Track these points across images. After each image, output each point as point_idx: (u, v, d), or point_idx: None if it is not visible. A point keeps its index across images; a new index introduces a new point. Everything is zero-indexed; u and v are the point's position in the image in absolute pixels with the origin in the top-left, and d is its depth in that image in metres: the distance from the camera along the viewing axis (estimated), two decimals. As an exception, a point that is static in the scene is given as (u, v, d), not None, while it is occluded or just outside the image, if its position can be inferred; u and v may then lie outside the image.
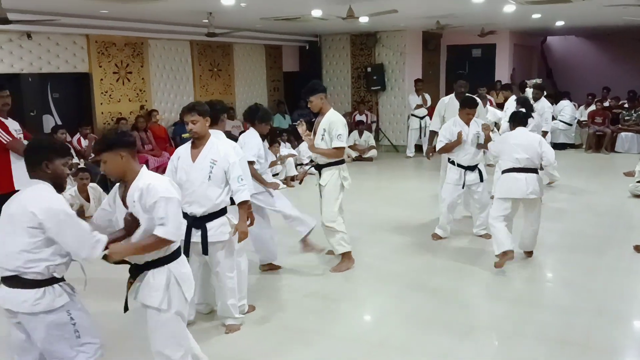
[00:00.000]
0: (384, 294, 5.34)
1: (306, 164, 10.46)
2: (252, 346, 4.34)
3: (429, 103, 13.26)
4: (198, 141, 4.32)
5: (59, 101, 9.97)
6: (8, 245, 3.01)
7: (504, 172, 5.80)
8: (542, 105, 9.42)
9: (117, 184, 3.42)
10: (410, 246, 6.61)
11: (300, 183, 6.77)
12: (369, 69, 14.01)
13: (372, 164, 12.67)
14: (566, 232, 7.06)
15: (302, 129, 5.75)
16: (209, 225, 4.26)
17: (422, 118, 13.12)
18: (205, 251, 4.30)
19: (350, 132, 13.54)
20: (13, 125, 5.67)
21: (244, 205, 4.34)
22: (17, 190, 5.27)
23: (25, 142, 5.66)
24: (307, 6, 8.89)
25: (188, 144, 4.41)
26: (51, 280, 3.08)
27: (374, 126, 14.08)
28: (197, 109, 4.25)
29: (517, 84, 14.71)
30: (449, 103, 7.55)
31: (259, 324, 4.70)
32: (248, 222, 4.47)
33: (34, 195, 3.05)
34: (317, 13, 9.28)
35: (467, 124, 6.48)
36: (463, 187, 6.48)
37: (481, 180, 6.53)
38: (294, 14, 9.80)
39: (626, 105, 13.67)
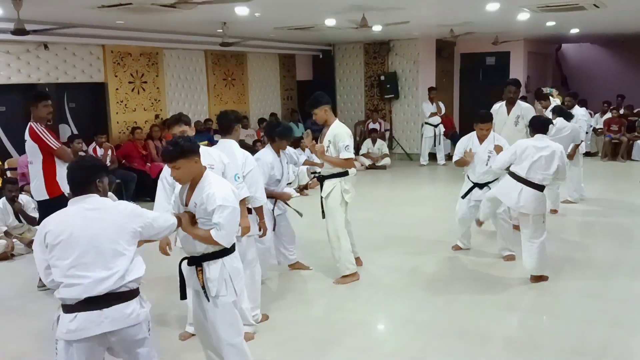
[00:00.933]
0: (397, 304, 5.31)
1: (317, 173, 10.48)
2: (266, 354, 4.34)
3: (443, 111, 13.25)
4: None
5: (75, 111, 10.09)
6: (111, 264, 2.98)
7: (509, 173, 5.56)
8: (576, 114, 8.83)
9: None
10: (423, 255, 6.58)
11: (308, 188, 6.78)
12: (382, 78, 14.02)
13: (386, 172, 12.66)
14: (582, 241, 7.00)
15: (308, 140, 5.72)
16: None
17: (436, 126, 13.11)
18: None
19: (363, 140, 13.58)
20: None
21: (244, 202, 4.34)
22: (63, 195, 5.53)
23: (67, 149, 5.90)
24: (321, 16, 8.94)
25: None
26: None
27: (387, 134, 14.08)
28: (184, 120, 4.38)
29: (533, 92, 14.65)
30: (499, 110, 7.18)
31: (272, 333, 4.70)
32: (261, 232, 4.47)
33: (114, 211, 3.10)
34: (330, 22, 9.32)
35: (480, 140, 6.15)
36: (464, 197, 6.28)
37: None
38: (308, 23, 9.86)
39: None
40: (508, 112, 7.12)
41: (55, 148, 5.63)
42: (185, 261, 3.62)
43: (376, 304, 5.33)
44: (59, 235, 2.94)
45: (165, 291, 5.59)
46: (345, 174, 5.64)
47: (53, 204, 5.72)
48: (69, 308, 2.94)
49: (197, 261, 3.53)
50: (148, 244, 3.56)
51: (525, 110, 7.09)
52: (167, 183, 4.44)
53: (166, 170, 4.42)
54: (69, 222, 2.99)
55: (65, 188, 5.71)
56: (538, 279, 5.58)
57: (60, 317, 2.98)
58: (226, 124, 4.74)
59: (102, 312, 2.92)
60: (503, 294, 5.46)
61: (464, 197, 6.28)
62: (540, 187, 5.40)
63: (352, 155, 5.54)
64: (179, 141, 3.45)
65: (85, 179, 3.09)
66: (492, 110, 7.10)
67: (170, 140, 3.53)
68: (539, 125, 5.62)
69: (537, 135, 5.53)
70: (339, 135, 5.51)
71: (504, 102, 7.22)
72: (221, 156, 4.37)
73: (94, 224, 2.99)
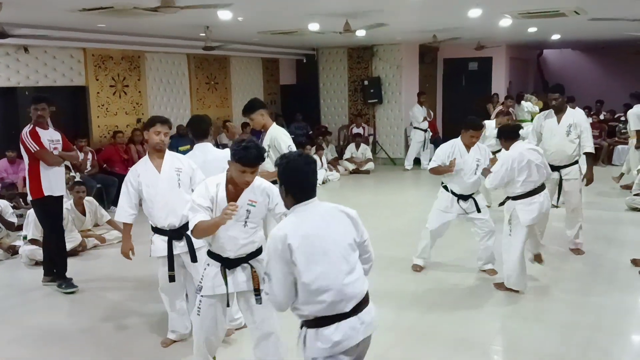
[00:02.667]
0: (379, 310, 5.27)
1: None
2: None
3: (432, 116, 13.31)
4: (159, 153, 4.36)
5: (55, 115, 9.89)
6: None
7: (524, 196, 5.33)
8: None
9: (217, 184, 3.53)
10: (406, 260, 6.57)
11: None
12: (365, 82, 14.05)
13: (369, 176, 12.67)
14: (563, 245, 7.03)
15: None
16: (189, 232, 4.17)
17: (425, 131, 13.14)
18: (194, 258, 4.29)
19: (347, 145, 13.59)
20: (51, 135, 5.88)
21: None
22: (48, 197, 5.61)
23: (56, 153, 5.86)
24: (304, 20, 8.92)
25: (143, 160, 4.41)
26: None
27: (371, 139, 14.10)
28: (169, 122, 4.40)
29: (514, 97, 14.78)
30: (546, 120, 6.51)
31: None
32: None
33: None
34: (314, 27, 9.31)
35: (468, 148, 5.83)
36: (455, 216, 5.94)
37: (478, 211, 5.87)
38: (291, 28, 9.85)
39: (622, 118, 13.69)
40: (558, 122, 6.36)
41: (33, 151, 5.69)
42: (218, 266, 3.59)
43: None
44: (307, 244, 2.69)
45: (143, 297, 5.55)
46: None
47: (35, 205, 5.95)
48: (325, 320, 2.70)
49: (241, 261, 3.59)
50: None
51: (578, 118, 6.33)
52: (132, 187, 4.38)
53: (131, 174, 4.38)
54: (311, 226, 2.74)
55: (49, 191, 5.78)
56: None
57: (312, 333, 2.73)
58: (204, 127, 4.86)
59: (359, 318, 2.76)
60: (484, 298, 5.48)
61: (457, 214, 5.93)
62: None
63: None
64: (258, 145, 3.45)
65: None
66: (538, 119, 6.69)
67: (249, 144, 3.35)
68: (512, 134, 5.53)
69: (516, 144, 5.43)
70: (276, 138, 5.24)
71: (550, 111, 6.50)
72: (189, 161, 4.42)
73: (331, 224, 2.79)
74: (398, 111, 14.01)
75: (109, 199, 9.22)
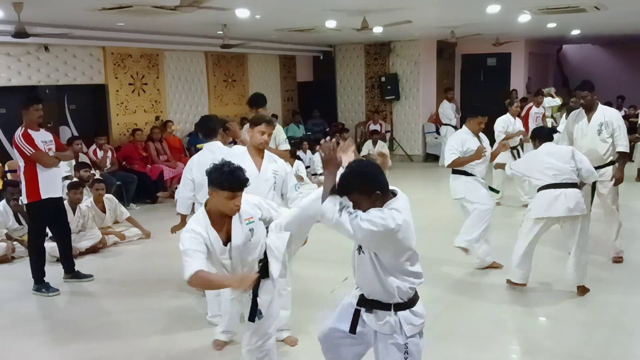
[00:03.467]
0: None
1: (320, 174, 10.48)
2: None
3: (459, 112, 13.20)
4: (260, 152, 4.38)
5: (75, 112, 10.09)
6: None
7: (540, 189, 5.31)
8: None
9: (204, 225, 3.25)
10: (425, 258, 6.55)
11: None
12: (383, 79, 14.01)
13: (386, 174, 12.62)
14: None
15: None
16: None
17: (455, 127, 13.03)
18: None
19: (364, 142, 13.56)
20: (43, 136, 5.77)
21: None
22: (46, 199, 5.49)
23: (52, 154, 5.78)
24: (322, 18, 8.93)
25: (242, 154, 4.35)
26: None
27: (388, 136, 14.06)
28: (272, 122, 4.40)
29: (533, 93, 14.62)
30: (577, 119, 6.27)
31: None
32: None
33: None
34: (331, 24, 9.31)
35: (477, 135, 5.94)
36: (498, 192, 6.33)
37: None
38: (308, 25, 9.85)
39: (646, 115, 13.53)
40: (589, 121, 6.07)
41: (29, 154, 5.57)
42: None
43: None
44: None
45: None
46: None
47: (30, 208, 5.79)
48: (415, 298, 3.14)
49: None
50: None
51: (610, 116, 6.01)
52: None
53: None
54: None
55: (47, 193, 5.69)
56: (584, 288, 5.39)
57: (406, 314, 3.00)
58: (212, 126, 4.99)
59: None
60: (503, 296, 5.45)
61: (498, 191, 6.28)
62: (577, 185, 5.26)
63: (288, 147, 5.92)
64: (239, 166, 3.26)
65: None
66: (569, 117, 6.45)
67: (232, 167, 3.21)
68: (544, 135, 5.57)
69: (545, 144, 5.46)
70: (280, 131, 5.71)
71: (581, 110, 6.22)
72: (284, 164, 4.46)
73: None
74: (415, 108, 13.96)
75: (128, 196, 9.32)
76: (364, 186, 2.83)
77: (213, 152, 4.80)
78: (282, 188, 4.44)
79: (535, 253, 6.27)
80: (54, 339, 4.86)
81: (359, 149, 13.46)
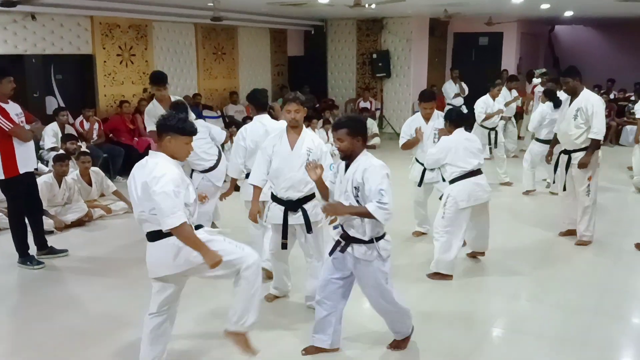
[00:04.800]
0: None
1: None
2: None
3: (466, 92, 13.00)
4: (295, 129, 4.52)
5: (62, 83, 9.94)
6: None
7: (457, 179, 5.31)
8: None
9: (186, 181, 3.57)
10: (409, 237, 6.61)
11: None
12: (374, 56, 13.92)
13: (375, 151, 12.60)
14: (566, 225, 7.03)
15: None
16: (306, 206, 4.50)
17: (459, 107, 12.95)
18: (309, 229, 4.49)
19: (354, 119, 13.50)
20: (14, 109, 5.58)
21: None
22: (24, 174, 5.43)
23: (27, 127, 5.65)
24: (314, -8, 8.82)
25: (280, 133, 4.56)
26: None
27: (378, 113, 14.02)
28: (300, 99, 4.50)
29: (524, 74, 14.62)
30: (565, 103, 6.34)
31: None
32: None
33: None
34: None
35: (426, 119, 6.18)
36: (420, 185, 6.30)
37: (443, 180, 5.84)
38: (301, -1, 9.71)
39: (632, 98, 13.56)
40: (569, 105, 6.15)
41: (7, 129, 5.40)
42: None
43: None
44: None
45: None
46: None
47: (8, 184, 5.63)
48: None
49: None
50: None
51: (587, 102, 5.96)
52: (267, 155, 4.56)
53: (269, 143, 4.56)
54: None
55: (25, 167, 5.57)
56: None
57: (383, 243, 3.79)
58: (263, 100, 5.46)
59: None
60: (487, 279, 5.51)
61: (420, 184, 6.31)
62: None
63: None
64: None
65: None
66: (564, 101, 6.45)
67: (180, 116, 3.66)
68: (456, 119, 5.46)
69: (458, 130, 5.40)
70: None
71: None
72: (321, 144, 4.55)
73: None
74: (406, 86, 13.91)
75: (114, 168, 9.24)
76: (354, 129, 3.74)
77: (264, 124, 5.20)
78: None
79: (521, 237, 6.34)
80: (39, 312, 4.83)
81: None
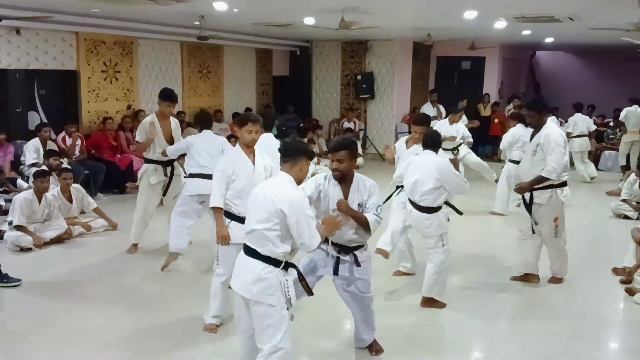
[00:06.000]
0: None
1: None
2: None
3: (444, 115, 13.10)
4: (250, 149, 4.66)
5: (45, 98, 9.88)
6: None
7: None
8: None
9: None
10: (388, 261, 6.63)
11: None
12: (358, 77, 14.04)
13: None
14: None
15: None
16: None
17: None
18: None
19: (337, 139, 13.56)
20: None
21: None
22: None
23: None
24: (300, 14, 8.90)
25: (236, 152, 4.65)
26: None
27: (361, 134, 14.11)
28: (260, 120, 4.68)
29: (505, 98, 14.84)
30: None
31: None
32: None
33: None
34: (309, 21, 9.29)
35: (410, 143, 5.91)
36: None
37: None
38: (287, 21, 9.82)
39: (611, 124, 13.82)
40: (530, 139, 5.78)
41: None
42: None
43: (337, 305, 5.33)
44: None
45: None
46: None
47: None
48: None
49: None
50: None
51: (546, 137, 5.46)
52: (226, 176, 4.58)
53: (227, 164, 4.58)
54: None
55: None
56: (429, 302, 5.29)
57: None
58: (270, 120, 5.87)
59: None
60: (465, 302, 5.52)
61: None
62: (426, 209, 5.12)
63: None
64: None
65: None
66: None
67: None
68: (430, 142, 5.25)
69: (426, 152, 5.24)
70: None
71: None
72: (269, 158, 4.69)
73: None
74: (389, 107, 14.04)
75: (96, 185, 9.18)
76: (353, 151, 4.02)
77: (268, 143, 5.28)
78: None
79: (499, 261, 6.37)
80: (16, 330, 4.77)
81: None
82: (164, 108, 6.46)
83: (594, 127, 12.13)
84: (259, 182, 4.35)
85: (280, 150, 3.57)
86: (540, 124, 5.56)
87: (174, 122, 6.65)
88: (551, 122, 5.62)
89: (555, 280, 6.03)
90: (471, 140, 9.44)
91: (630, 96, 12.89)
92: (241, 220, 4.45)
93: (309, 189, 4.02)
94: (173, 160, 6.58)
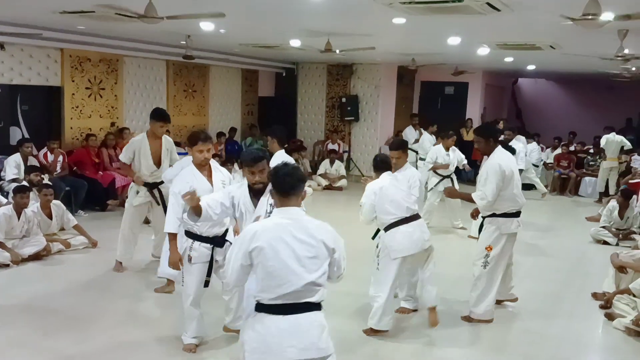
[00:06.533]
0: (346, 332, 5.27)
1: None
2: None
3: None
4: (205, 167, 4.62)
5: (27, 114, 9.81)
6: None
7: (387, 228, 5.11)
8: (517, 148, 9.71)
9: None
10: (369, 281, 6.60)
11: None
12: (343, 99, 14.16)
13: (342, 193, 12.71)
14: (525, 275, 7.12)
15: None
16: (229, 238, 4.60)
17: (416, 152, 13.08)
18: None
19: (321, 160, 13.63)
20: None
21: None
22: None
23: None
24: (287, 36, 8.99)
25: (190, 171, 4.58)
26: None
27: (345, 156, 14.18)
28: (212, 139, 4.65)
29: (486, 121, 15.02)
30: None
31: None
32: None
33: None
34: (295, 43, 9.38)
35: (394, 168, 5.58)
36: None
37: None
38: (273, 42, 9.90)
39: (591, 151, 14.03)
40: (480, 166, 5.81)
41: None
42: None
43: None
44: None
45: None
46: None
47: None
48: None
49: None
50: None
51: (485, 166, 5.43)
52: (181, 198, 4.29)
53: (181, 185, 4.40)
54: None
55: None
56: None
57: None
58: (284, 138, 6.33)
59: None
60: (445, 328, 5.47)
61: None
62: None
63: None
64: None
65: None
66: None
67: None
68: (380, 164, 5.37)
69: (384, 174, 5.24)
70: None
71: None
72: (226, 172, 4.84)
73: None
74: (374, 130, 14.15)
75: (77, 202, 9.09)
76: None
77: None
78: None
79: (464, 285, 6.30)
80: (-12, 349, 4.68)
81: (315, 167, 13.54)
82: (156, 128, 6.30)
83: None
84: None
85: (289, 183, 3.05)
86: (489, 151, 5.40)
87: (168, 142, 6.53)
88: (499, 152, 5.37)
89: (467, 318, 5.56)
90: (466, 162, 9.75)
91: (608, 124, 13.16)
92: (203, 239, 4.49)
93: (227, 201, 4.06)
94: (160, 182, 6.41)
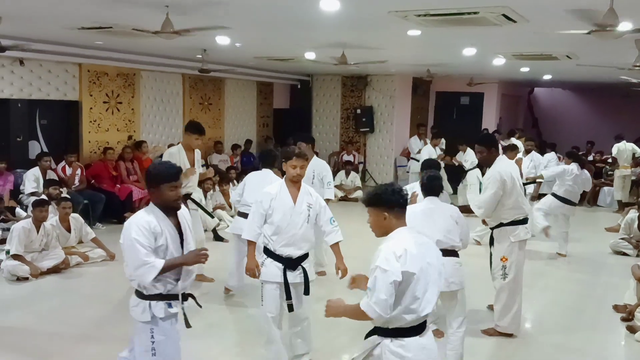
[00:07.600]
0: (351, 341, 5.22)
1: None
2: None
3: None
4: (296, 184, 4.40)
5: (46, 128, 9.94)
6: None
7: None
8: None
9: None
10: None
11: None
12: (358, 111, 14.18)
13: (358, 204, 12.67)
14: (545, 287, 7.06)
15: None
16: (305, 265, 4.38)
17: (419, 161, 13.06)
18: (307, 291, 4.37)
19: (337, 172, 13.62)
20: None
21: (338, 245, 4.52)
22: None
23: None
24: (301, 49, 9.02)
25: (279, 185, 4.41)
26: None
27: (360, 167, 14.17)
28: (306, 156, 4.50)
29: (505, 134, 14.94)
30: None
31: None
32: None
33: None
34: (310, 56, 9.41)
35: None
36: None
37: None
38: (288, 55, 9.95)
39: (609, 160, 13.88)
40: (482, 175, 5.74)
41: None
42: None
43: (340, 346, 5.28)
44: None
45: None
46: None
47: None
48: None
49: None
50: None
51: (487, 173, 5.38)
52: (262, 209, 4.37)
53: (266, 196, 4.36)
54: None
55: None
56: None
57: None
58: (271, 158, 6.17)
59: None
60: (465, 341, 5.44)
61: None
62: (456, 253, 4.61)
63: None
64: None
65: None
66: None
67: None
68: (430, 187, 4.63)
69: (429, 198, 4.60)
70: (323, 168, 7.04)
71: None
72: (319, 198, 4.53)
73: None
74: (389, 141, 14.13)
75: (95, 215, 9.16)
76: None
77: (264, 178, 5.69)
78: (316, 220, 4.46)
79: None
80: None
81: (331, 179, 13.50)
82: (191, 140, 6.31)
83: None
84: (302, 221, 4.31)
85: (397, 201, 3.16)
86: (491, 161, 5.32)
87: (198, 154, 6.55)
88: (501, 161, 5.29)
89: (489, 331, 5.45)
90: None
91: (620, 133, 13.04)
92: (277, 258, 4.32)
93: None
94: (189, 194, 6.29)
